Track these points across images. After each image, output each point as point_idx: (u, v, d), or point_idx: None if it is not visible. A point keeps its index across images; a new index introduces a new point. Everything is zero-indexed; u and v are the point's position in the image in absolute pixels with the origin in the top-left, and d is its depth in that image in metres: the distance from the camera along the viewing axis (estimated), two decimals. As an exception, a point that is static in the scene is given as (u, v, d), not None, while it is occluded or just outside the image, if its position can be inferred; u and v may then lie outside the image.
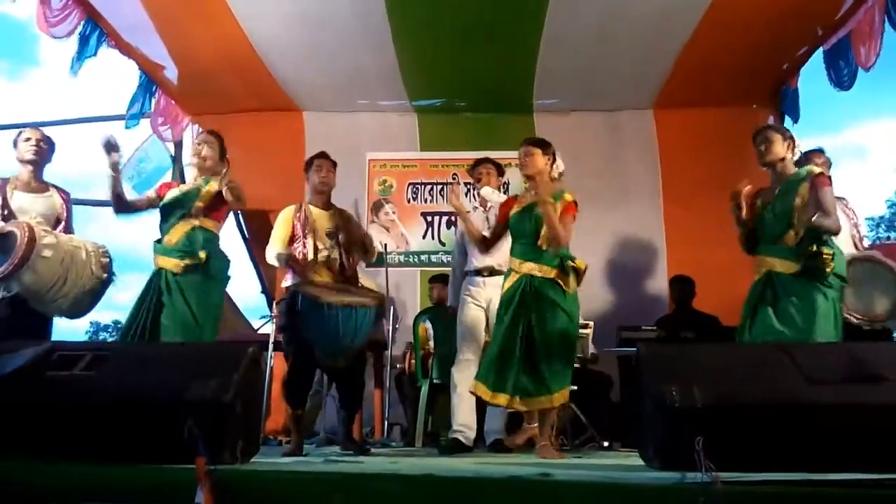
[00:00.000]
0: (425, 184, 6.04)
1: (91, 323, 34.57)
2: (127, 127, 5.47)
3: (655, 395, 1.90)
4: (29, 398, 1.96)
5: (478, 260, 3.83)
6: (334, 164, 3.69)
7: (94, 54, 4.77)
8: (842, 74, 4.62)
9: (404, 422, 5.02)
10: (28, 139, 3.56)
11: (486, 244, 3.59)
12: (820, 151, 3.66)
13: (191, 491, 1.58)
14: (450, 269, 4.42)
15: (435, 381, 4.52)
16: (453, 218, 5.68)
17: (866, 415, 1.80)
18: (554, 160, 3.42)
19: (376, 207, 5.98)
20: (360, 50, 5.15)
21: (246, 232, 6.23)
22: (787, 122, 5.39)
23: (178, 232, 3.36)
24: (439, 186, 6.02)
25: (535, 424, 3.19)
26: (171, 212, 3.41)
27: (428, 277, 5.36)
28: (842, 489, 1.52)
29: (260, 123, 5.92)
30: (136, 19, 4.74)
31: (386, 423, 4.85)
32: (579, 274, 3.19)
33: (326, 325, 3.21)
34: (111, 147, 3.33)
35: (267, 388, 4.36)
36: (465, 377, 3.72)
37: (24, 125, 3.71)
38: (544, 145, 3.39)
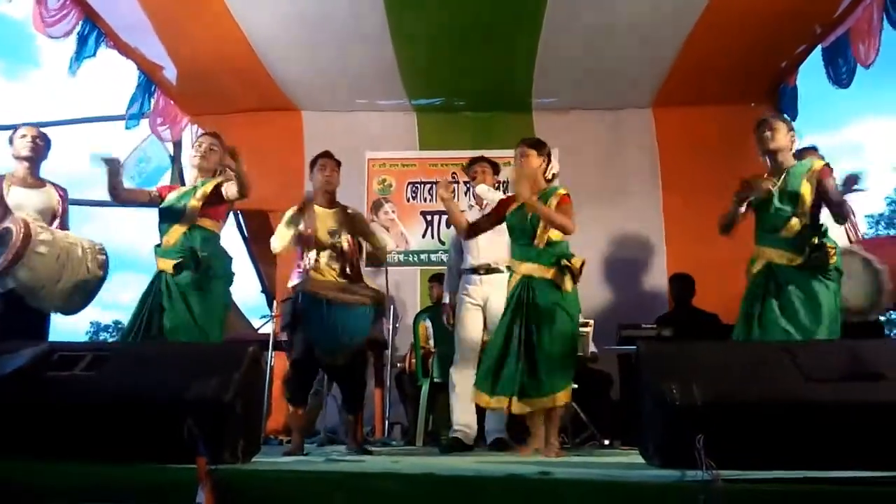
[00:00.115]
0: (425, 183, 6.04)
1: (91, 323, 34.68)
2: (126, 127, 5.48)
3: (655, 393, 1.90)
4: (29, 398, 1.96)
5: (474, 257, 3.83)
6: (338, 164, 3.69)
7: (93, 54, 4.76)
8: (840, 72, 4.63)
9: (405, 421, 5.03)
10: (24, 136, 3.56)
11: (470, 231, 3.55)
12: (814, 149, 3.67)
13: (191, 491, 1.58)
14: (449, 268, 4.43)
15: (435, 380, 4.52)
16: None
17: (866, 413, 1.80)
18: (549, 161, 3.43)
19: (376, 207, 5.98)
20: (358, 49, 5.15)
21: (246, 231, 6.24)
22: (786, 120, 5.40)
23: (176, 233, 3.35)
24: (439, 185, 6.02)
25: (539, 435, 3.19)
26: (169, 214, 3.40)
27: (428, 276, 5.37)
28: (842, 486, 1.52)
29: (259, 123, 5.91)
30: (134, 19, 4.74)
31: (387, 422, 4.86)
32: (575, 273, 3.19)
33: (325, 323, 3.25)
34: (111, 162, 3.31)
35: (267, 388, 4.37)
36: (463, 377, 3.73)
37: (24, 126, 3.70)
38: (539, 146, 3.41)
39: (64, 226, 3.59)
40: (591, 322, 4.56)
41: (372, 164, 6.07)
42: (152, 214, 3.51)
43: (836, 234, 3.19)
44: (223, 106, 5.81)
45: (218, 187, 3.38)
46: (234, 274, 3.53)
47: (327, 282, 3.41)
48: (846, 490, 1.51)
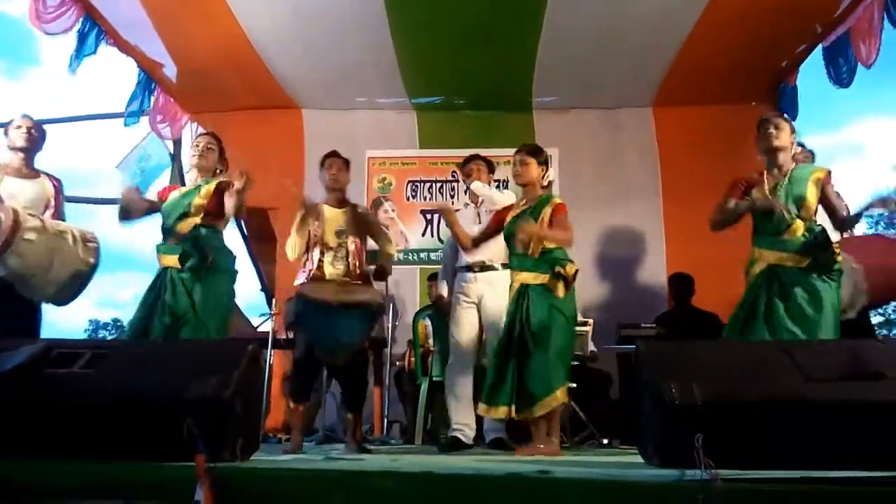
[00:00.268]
0: (424, 181, 6.04)
1: (90, 321, 34.74)
2: (126, 125, 5.47)
3: (655, 392, 1.90)
4: (28, 397, 1.95)
5: (469, 255, 3.84)
6: (346, 162, 3.70)
7: (94, 52, 4.76)
8: (841, 72, 4.62)
9: (404, 419, 5.04)
10: (19, 126, 3.56)
11: (475, 244, 3.59)
12: (800, 145, 3.68)
13: (190, 488, 1.58)
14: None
15: (435, 378, 4.52)
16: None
17: (866, 412, 1.80)
18: (547, 168, 3.46)
19: (375, 205, 5.96)
20: (359, 48, 5.15)
21: (245, 230, 6.24)
22: (786, 119, 5.39)
23: (181, 230, 3.36)
24: (438, 184, 6.03)
25: (539, 436, 3.19)
26: (172, 213, 3.41)
27: (427, 275, 5.37)
28: (841, 487, 1.52)
29: (259, 121, 5.92)
30: (134, 17, 4.74)
31: (385, 420, 4.87)
32: (568, 280, 3.20)
33: (325, 326, 3.27)
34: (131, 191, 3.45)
35: (266, 386, 4.37)
36: (459, 376, 3.76)
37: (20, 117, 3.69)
38: (539, 154, 3.43)
39: (59, 216, 3.57)
40: (591, 321, 4.56)
41: (372, 162, 6.07)
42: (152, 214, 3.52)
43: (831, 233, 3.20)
44: (223, 104, 5.81)
45: (220, 188, 3.40)
46: (237, 272, 3.54)
47: (329, 284, 3.42)
48: (846, 490, 1.51)
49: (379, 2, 4.60)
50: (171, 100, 5.81)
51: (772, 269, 3.07)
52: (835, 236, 3.24)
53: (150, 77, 5.49)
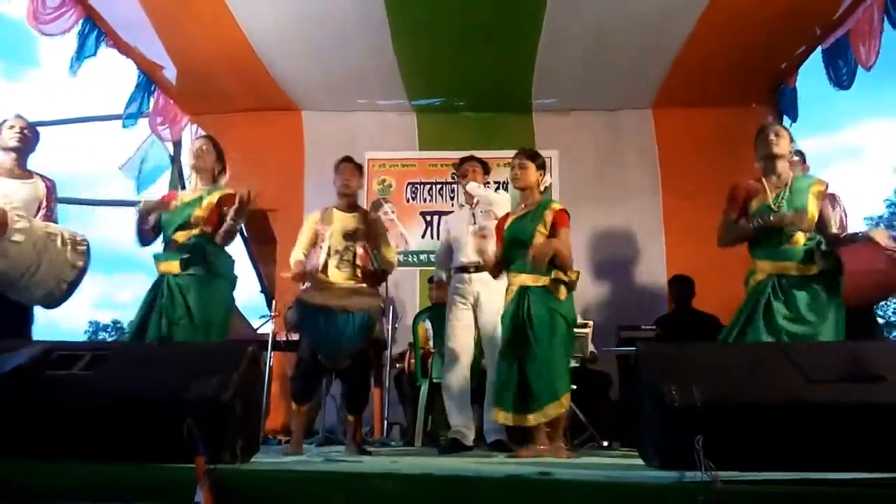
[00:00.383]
0: (424, 183, 6.04)
1: (90, 322, 34.71)
2: (124, 126, 5.46)
3: (655, 394, 1.90)
4: (28, 398, 1.95)
5: (465, 255, 3.84)
6: (359, 168, 3.72)
7: (94, 54, 4.76)
8: (841, 74, 4.62)
9: (404, 421, 5.03)
10: (12, 127, 3.52)
11: (497, 268, 3.49)
12: (797, 152, 3.71)
13: (190, 490, 1.58)
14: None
15: (435, 380, 4.52)
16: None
17: (865, 414, 1.80)
18: (545, 173, 3.47)
19: (375, 207, 5.98)
20: (359, 49, 5.15)
21: (245, 232, 6.24)
22: (786, 121, 5.39)
23: (179, 237, 3.37)
24: (438, 186, 6.03)
25: (541, 438, 3.19)
26: (172, 223, 3.41)
27: (427, 277, 5.37)
28: (841, 488, 1.52)
29: (259, 123, 5.92)
30: (133, 18, 4.74)
31: (385, 422, 4.86)
32: (569, 284, 3.20)
33: (326, 330, 3.31)
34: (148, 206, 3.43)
35: (266, 388, 4.37)
36: (455, 377, 3.75)
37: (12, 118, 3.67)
38: (536, 158, 3.45)
39: (51, 218, 3.53)
40: (591, 323, 4.56)
41: (372, 164, 6.07)
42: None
43: None
44: (223, 105, 5.82)
45: (222, 201, 3.40)
46: (236, 277, 3.54)
47: (331, 289, 3.42)
48: (845, 492, 1.51)
49: (379, 3, 4.60)
50: (171, 101, 5.81)
51: (775, 279, 3.06)
52: None
53: (149, 79, 5.49)
